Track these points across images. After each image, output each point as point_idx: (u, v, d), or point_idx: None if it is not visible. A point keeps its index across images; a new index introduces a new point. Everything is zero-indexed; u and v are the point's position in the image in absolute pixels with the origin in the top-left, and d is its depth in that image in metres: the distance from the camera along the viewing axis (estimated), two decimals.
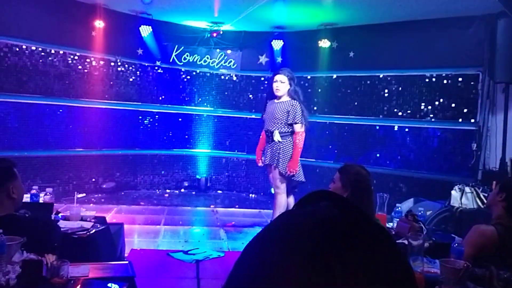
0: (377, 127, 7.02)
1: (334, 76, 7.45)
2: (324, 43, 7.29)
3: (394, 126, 6.86)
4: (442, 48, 6.30)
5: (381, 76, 6.99)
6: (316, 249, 0.42)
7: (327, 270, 0.41)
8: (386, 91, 6.95)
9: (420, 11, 6.09)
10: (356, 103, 7.22)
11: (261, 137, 5.30)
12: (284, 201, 5.00)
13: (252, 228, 5.68)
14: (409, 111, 6.72)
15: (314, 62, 7.49)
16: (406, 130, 6.75)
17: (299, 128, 4.90)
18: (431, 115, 6.53)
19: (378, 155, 6.98)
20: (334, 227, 0.44)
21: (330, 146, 7.48)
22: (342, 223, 0.45)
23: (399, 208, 3.59)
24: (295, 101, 4.92)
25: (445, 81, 6.42)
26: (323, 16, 6.73)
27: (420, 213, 3.52)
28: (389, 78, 6.92)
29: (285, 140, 4.91)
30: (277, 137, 4.90)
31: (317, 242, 0.43)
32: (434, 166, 6.48)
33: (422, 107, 6.61)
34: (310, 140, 7.66)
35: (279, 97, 4.97)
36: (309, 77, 7.72)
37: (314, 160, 7.60)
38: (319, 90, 7.62)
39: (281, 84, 4.93)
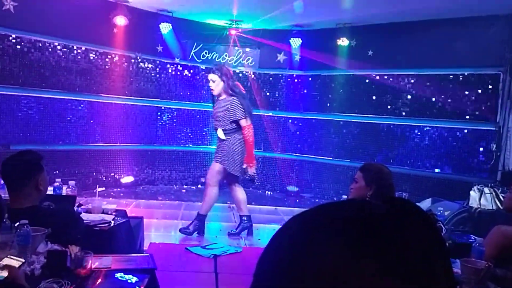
0: (396, 126, 6.98)
1: (353, 74, 7.43)
2: (343, 42, 7.26)
3: (412, 125, 6.81)
4: (463, 47, 6.23)
5: (400, 75, 6.94)
6: (352, 239, 0.42)
7: (362, 264, 0.41)
8: (404, 90, 6.90)
9: (441, 9, 6.03)
10: (374, 102, 7.18)
11: None
12: (215, 193, 5.04)
13: (268, 225, 5.70)
14: (428, 111, 6.67)
15: (333, 61, 7.47)
16: (425, 129, 6.70)
17: (244, 123, 4.90)
18: (451, 115, 6.46)
19: (396, 154, 6.94)
20: (371, 218, 0.44)
21: (347, 145, 7.46)
22: (383, 214, 0.45)
23: None
24: (233, 97, 4.91)
25: (465, 81, 6.35)
26: (342, 14, 6.71)
27: (439, 213, 3.50)
28: (408, 77, 6.87)
29: (229, 137, 4.92)
30: (221, 135, 4.94)
31: (355, 233, 0.42)
32: (452, 166, 6.42)
33: (441, 107, 6.55)
34: (327, 139, 7.68)
35: (219, 95, 4.98)
36: (327, 75, 7.71)
37: (331, 158, 7.60)
38: (337, 88, 7.60)
39: (213, 83, 4.95)
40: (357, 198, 0.50)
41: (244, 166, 4.93)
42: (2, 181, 2.66)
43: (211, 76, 4.96)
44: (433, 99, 6.63)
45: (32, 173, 2.40)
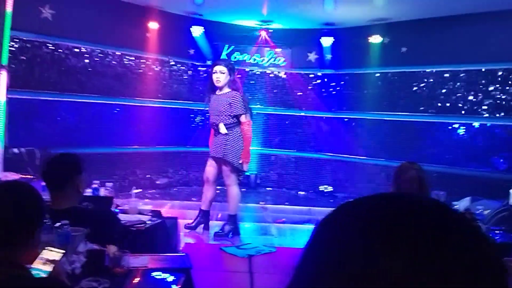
0: (431, 124, 6.83)
1: (386, 72, 7.31)
2: (375, 39, 7.16)
3: (449, 122, 6.64)
4: (500, 42, 6.04)
5: (434, 71, 6.79)
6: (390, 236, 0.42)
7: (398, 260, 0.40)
8: (440, 86, 6.75)
9: (476, 3, 5.86)
10: (408, 100, 7.05)
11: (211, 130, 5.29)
12: (237, 192, 5.06)
13: (302, 225, 5.68)
14: (465, 107, 6.50)
15: (365, 59, 7.38)
16: (463, 127, 6.53)
17: (244, 118, 4.88)
18: (489, 111, 6.27)
19: (431, 152, 6.78)
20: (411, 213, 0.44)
21: (381, 144, 7.34)
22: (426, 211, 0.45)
23: (457, 206, 3.49)
24: (236, 92, 4.89)
25: (502, 76, 6.16)
26: (374, 11, 6.62)
27: (478, 212, 3.41)
28: (443, 74, 6.71)
29: (231, 132, 4.89)
30: (223, 129, 4.89)
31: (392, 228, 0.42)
32: (492, 164, 6.23)
33: (479, 103, 6.37)
34: (361, 137, 7.58)
35: (220, 89, 4.94)
36: (359, 73, 7.62)
37: (365, 157, 7.49)
38: (370, 86, 7.50)
39: (221, 74, 4.89)
40: (390, 194, 0.50)
41: (240, 162, 4.90)
42: (43, 183, 2.75)
43: (220, 68, 4.94)
44: (470, 96, 6.45)
45: (72, 175, 2.47)
